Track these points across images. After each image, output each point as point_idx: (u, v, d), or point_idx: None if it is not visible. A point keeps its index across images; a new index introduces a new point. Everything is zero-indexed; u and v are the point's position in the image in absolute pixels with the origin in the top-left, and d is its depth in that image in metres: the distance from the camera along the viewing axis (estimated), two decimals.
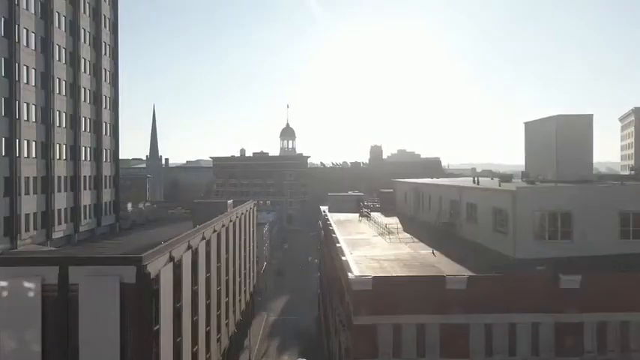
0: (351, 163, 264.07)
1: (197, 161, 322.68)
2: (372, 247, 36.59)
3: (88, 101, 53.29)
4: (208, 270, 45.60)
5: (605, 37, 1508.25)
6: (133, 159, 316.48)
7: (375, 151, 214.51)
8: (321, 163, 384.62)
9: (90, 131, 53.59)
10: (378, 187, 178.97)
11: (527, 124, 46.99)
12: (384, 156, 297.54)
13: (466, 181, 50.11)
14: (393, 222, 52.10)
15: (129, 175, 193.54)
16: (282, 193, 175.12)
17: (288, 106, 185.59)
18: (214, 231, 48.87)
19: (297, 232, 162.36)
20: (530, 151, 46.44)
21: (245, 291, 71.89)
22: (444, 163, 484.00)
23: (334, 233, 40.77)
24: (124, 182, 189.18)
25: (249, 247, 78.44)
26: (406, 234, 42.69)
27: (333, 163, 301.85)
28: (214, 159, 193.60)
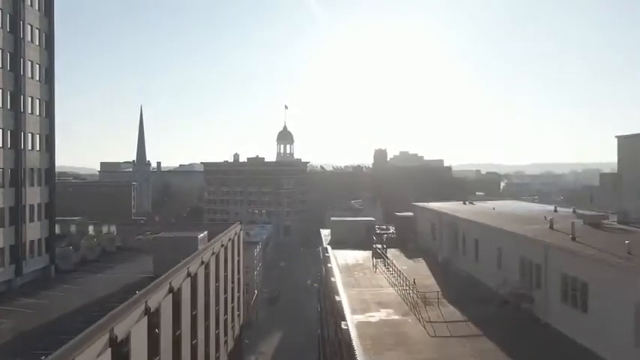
0: (352, 167, 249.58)
1: (190, 165, 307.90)
2: (406, 352, 21.91)
3: (0, 105, 38.50)
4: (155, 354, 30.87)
5: (605, 37, 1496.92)
6: (123, 162, 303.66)
7: (379, 155, 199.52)
8: (321, 167, 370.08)
9: (2, 146, 38.79)
10: (383, 194, 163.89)
11: (622, 138, 32.23)
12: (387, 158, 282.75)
13: (531, 215, 35.45)
14: (424, 273, 37.52)
15: (113, 182, 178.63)
16: (279, 203, 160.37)
17: (286, 107, 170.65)
18: (170, 291, 34.12)
19: (295, 246, 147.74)
20: (632, 177, 31.65)
21: (226, 342, 57.14)
22: (446, 164, 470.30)
23: (343, 313, 26.02)
24: (108, 190, 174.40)
25: (234, 282, 63.68)
26: (453, 308, 27.99)
27: (333, 167, 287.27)
28: (205, 164, 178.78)
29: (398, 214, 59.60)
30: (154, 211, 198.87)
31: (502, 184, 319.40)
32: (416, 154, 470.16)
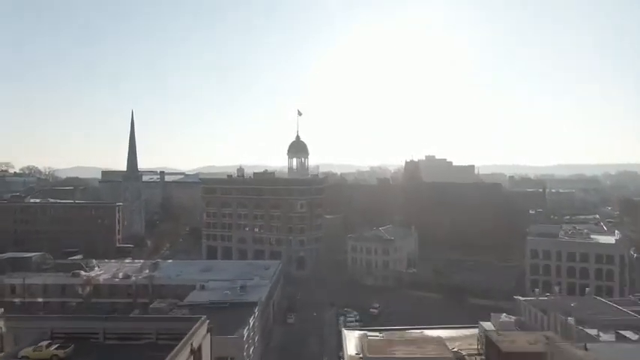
0: (378, 179, 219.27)
1: (197, 173, 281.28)
2: None
3: None
4: None
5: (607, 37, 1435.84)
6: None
7: (411, 169, 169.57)
8: (340, 175, 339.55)
9: None
10: (418, 218, 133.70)
11: None
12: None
13: None
14: None
15: (93, 204, 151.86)
16: (291, 229, 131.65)
17: (299, 113, 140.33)
18: None
19: (309, 285, 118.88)
20: None
21: None
22: (456, 164, 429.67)
23: None
24: (88, 213, 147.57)
25: None
26: None
27: (355, 177, 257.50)
28: (203, 181, 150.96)
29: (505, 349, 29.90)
30: (149, 232, 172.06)
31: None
32: (444, 160, 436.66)
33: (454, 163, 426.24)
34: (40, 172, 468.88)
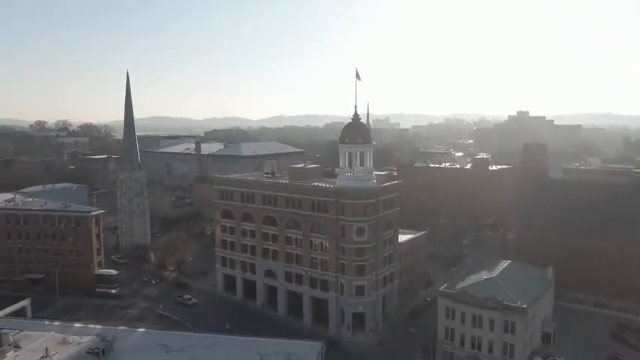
0: (471, 158, 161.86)
1: (238, 144, 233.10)
2: None
3: None
4: None
5: None
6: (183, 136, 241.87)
7: (534, 154, 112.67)
8: (412, 131, 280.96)
9: None
10: (539, 234, 78.23)
11: None
12: (496, 120, 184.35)
13: None
14: None
15: (63, 211, 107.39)
16: (344, 267, 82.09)
17: (357, 77, 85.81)
18: None
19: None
20: None
21: None
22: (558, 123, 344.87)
23: None
24: (56, 224, 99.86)
25: None
26: None
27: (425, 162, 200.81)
28: (215, 180, 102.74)
29: None
30: (161, 236, 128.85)
31: None
32: (543, 118, 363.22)
33: (555, 122, 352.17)
34: (97, 129, 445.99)
